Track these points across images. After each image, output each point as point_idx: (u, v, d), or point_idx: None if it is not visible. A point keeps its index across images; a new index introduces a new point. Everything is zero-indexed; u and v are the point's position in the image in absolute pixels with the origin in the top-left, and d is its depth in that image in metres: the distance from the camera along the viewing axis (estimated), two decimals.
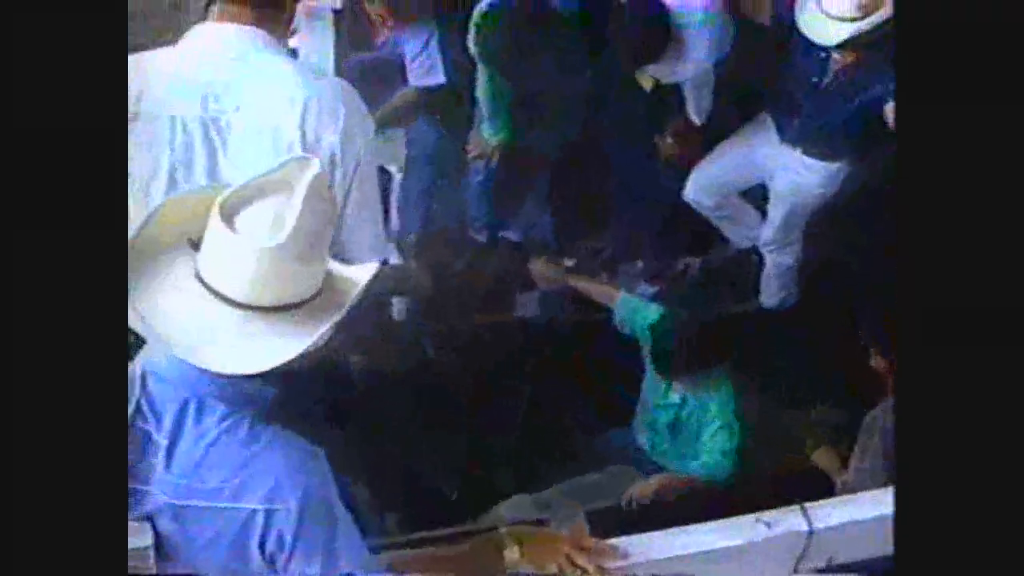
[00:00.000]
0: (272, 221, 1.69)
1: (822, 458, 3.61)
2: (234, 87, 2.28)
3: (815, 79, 3.90)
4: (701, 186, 4.37)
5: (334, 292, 1.80)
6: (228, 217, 1.69)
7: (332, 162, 2.28)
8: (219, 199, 1.70)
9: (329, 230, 1.80)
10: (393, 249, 2.60)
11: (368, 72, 4.04)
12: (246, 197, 1.71)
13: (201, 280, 1.72)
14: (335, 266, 1.83)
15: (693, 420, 3.81)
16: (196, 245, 1.75)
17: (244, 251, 1.68)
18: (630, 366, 3.96)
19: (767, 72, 4.14)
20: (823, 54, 3.81)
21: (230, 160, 2.28)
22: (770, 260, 4.45)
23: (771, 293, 4.51)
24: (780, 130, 4.13)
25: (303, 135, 2.26)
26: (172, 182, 2.29)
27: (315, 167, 1.73)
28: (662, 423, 3.88)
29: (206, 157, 2.29)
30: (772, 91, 4.17)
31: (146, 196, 2.23)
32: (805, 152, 4.07)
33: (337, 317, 1.76)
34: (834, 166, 4.07)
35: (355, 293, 1.80)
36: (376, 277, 1.83)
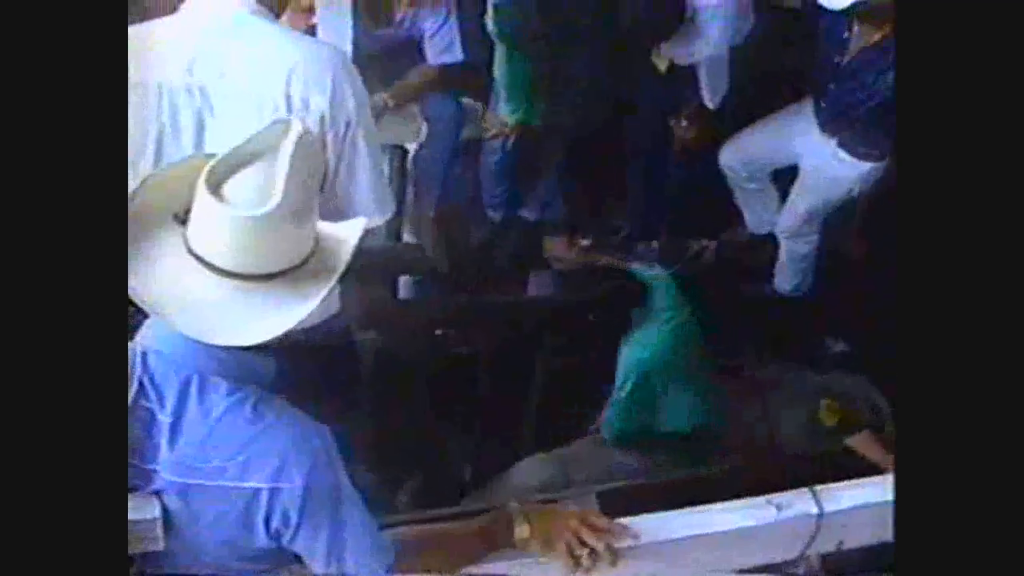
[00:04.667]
0: (260, 188, 1.66)
1: (860, 443, 3.57)
2: (219, 54, 2.29)
3: (837, 59, 3.88)
4: (736, 154, 4.39)
5: (326, 253, 1.77)
6: (215, 187, 1.66)
7: (322, 124, 2.30)
8: (205, 169, 1.67)
9: (317, 191, 1.77)
10: (392, 204, 2.60)
11: (386, 49, 4.03)
12: (232, 165, 1.68)
13: (193, 253, 1.70)
14: (323, 226, 1.80)
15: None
16: (181, 220, 1.72)
17: (234, 220, 1.66)
18: None
19: (794, 56, 4.12)
20: (845, 33, 3.80)
21: (217, 122, 2.29)
22: (785, 247, 4.45)
23: (786, 279, 4.51)
24: (816, 115, 4.11)
25: (288, 99, 2.28)
26: (159, 150, 2.31)
27: (298, 129, 1.70)
28: None
29: (193, 124, 2.30)
30: (801, 75, 4.15)
31: (133, 166, 2.24)
32: (840, 144, 4.05)
33: (333, 280, 1.75)
34: (867, 166, 4.03)
35: (348, 252, 1.78)
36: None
